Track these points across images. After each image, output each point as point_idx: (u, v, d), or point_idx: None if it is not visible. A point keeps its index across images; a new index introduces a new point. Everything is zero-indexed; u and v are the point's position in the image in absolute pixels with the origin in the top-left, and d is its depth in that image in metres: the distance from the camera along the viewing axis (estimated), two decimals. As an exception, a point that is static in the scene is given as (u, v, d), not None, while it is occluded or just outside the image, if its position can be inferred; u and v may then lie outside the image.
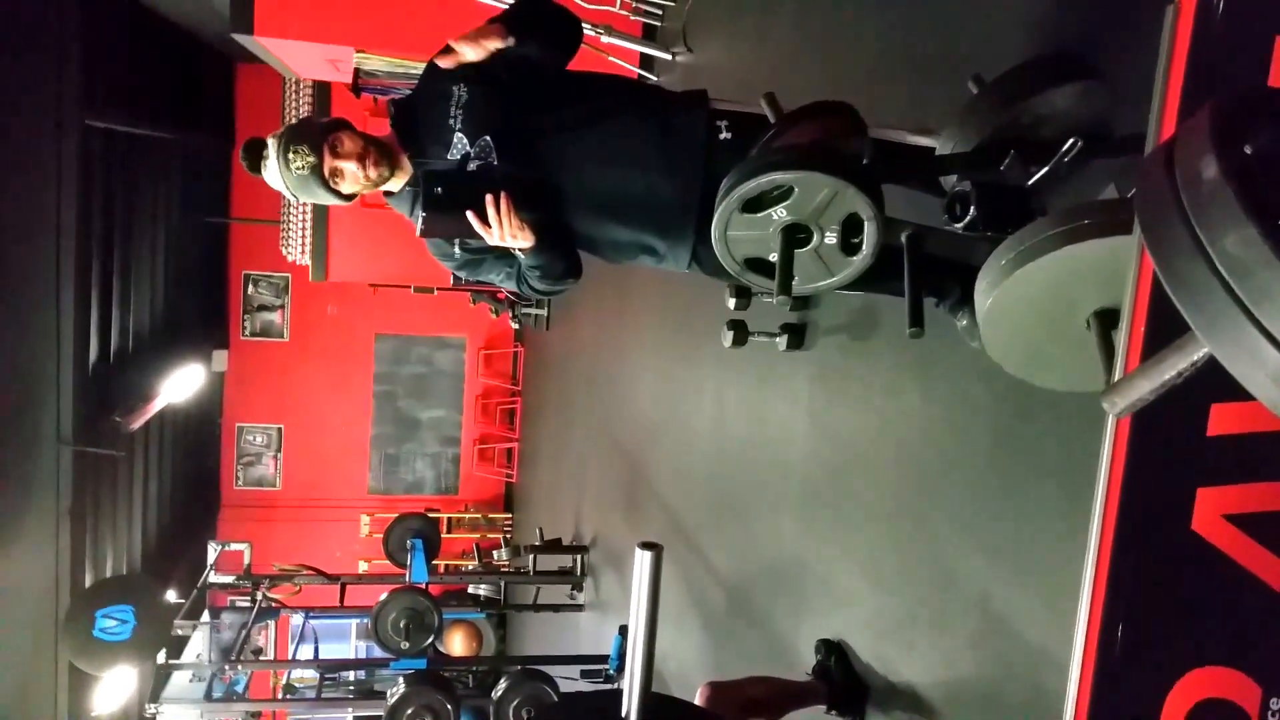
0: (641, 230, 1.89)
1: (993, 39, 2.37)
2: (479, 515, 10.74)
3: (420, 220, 1.78)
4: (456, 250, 1.97)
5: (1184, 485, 1.05)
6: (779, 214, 1.42)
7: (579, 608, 6.74)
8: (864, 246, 1.43)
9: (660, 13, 5.35)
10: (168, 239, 8.12)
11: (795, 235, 1.44)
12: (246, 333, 10.40)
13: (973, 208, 1.50)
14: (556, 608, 6.86)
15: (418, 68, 5.90)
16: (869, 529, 2.83)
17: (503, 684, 5.08)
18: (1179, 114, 1.04)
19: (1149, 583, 1.05)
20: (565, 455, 8.12)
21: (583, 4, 5.18)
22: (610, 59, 5.31)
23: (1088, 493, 1.91)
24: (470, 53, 1.81)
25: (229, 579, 6.40)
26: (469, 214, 1.75)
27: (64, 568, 5.86)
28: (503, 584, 7.43)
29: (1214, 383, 0.91)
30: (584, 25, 4.20)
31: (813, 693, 2.78)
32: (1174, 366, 0.67)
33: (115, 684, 5.77)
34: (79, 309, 5.91)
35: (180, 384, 7.95)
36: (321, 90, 7.69)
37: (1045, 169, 1.55)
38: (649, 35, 5.48)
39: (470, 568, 8.71)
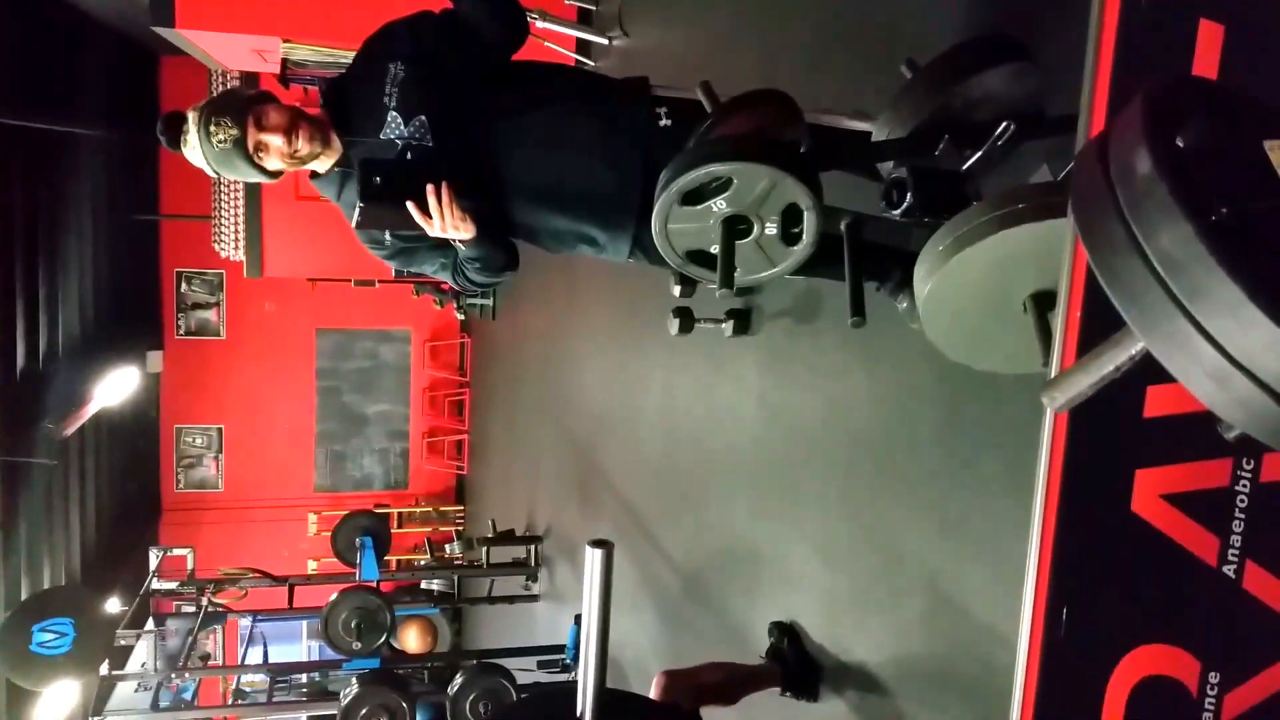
0: (581, 220, 1.85)
1: (928, 21, 2.39)
2: (430, 509, 10.64)
3: (357, 211, 1.70)
4: (388, 238, 1.89)
5: (1123, 467, 1.07)
6: (719, 206, 1.41)
7: (534, 598, 6.72)
8: (804, 236, 1.43)
9: (595, -3, 5.30)
10: (95, 239, 7.86)
11: (736, 227, 1.43)
12: (181, 332, 10.13)
13: (909, 194, 1.51)
14: (511, 599, 6.83)
15: (348, 57, 5.79)
16: (819, 511, 2.85)
17: (459, 679, 5.04)
18: (1109, 98, 1.05)
19: (1091, 564, 1.06)
20: (517, 446, 8.07)
21: (516, -12, 5.10)
22: (546, 44, 5.24)
23: (1031, 469, 1.95)
24: None
25: (173, 585, 6.26)
26: (409, 205, 1.68)
27: (-3, 583, 5.67)
28: (456, 578, 7.37)
29: (1150, 365, 0.92)
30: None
31: (767, 675, 2.80)
32: (1112, 361, 0.67)
33: (56, 698, 5.61)
34: (3, 314, 5.70)
35: (114, 387, 7.72)
36: (249, 82, 7.48)
37: (979, 153, 1.56)
38: (584, 20, 5.42)
39: (423, 563, 8.62)
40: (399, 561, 9.08)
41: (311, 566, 9.34)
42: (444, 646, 8.08)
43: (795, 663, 2.80)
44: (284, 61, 5.69)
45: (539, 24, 5.10)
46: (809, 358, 2.99)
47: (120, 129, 8.13)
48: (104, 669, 5.29)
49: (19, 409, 5.99)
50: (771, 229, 1.44)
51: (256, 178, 1.83)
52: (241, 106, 1.75)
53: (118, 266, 8.51)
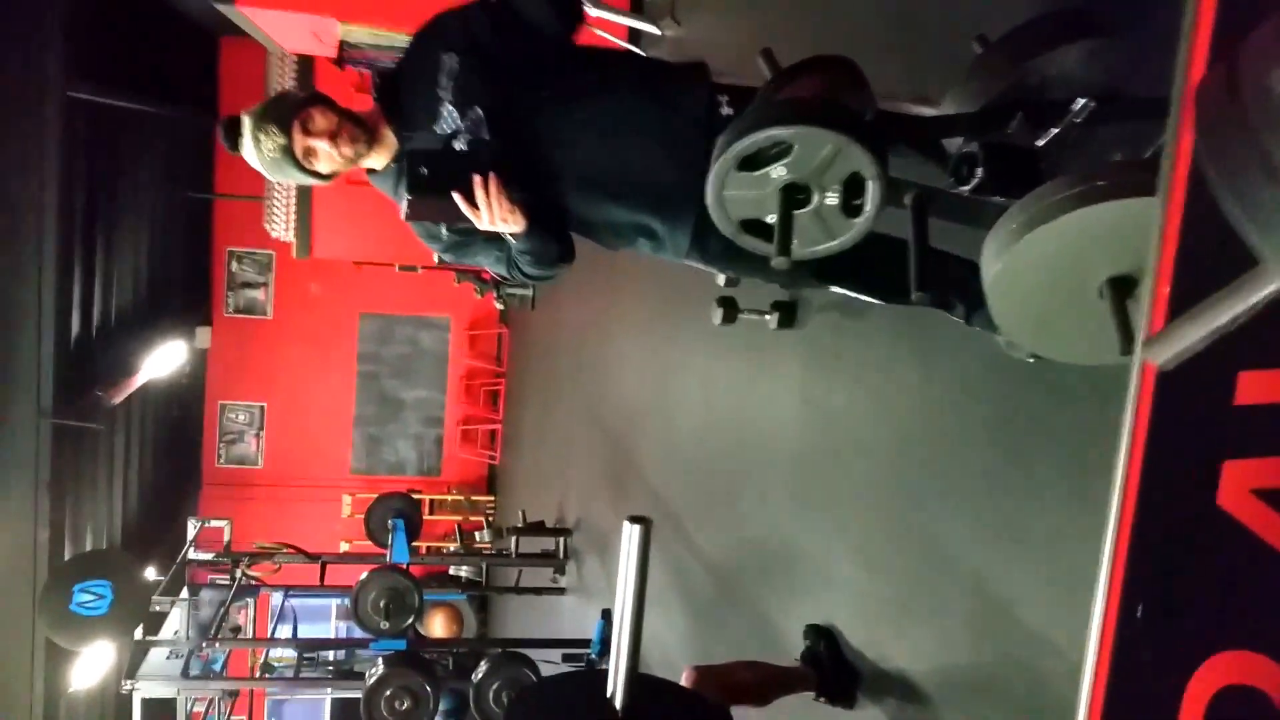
0: (640, 210, 1.79)
1: (992, 5, 2.30)
2: (461, 497, 10.67)
3: (405, 203, 1.67)
4: (444, 232, 1.86)
5: (1209, 458, 0.98)
6: (778, 172, 1.35)
7: (561, 591, 6.69)
8: (866, 207, 1.36)
9: (650, -14, 5.26)
10: (151, 214, 7.99)
11: (794, 195, 1.37)
12: (230, 310, 10.27)
13: (980, 169, 1.43)
14: (539, 591, 6.80)
15: (403, 40, 5.80)
16: (862, 511, 2.77)
17: (483, 666, 5.02)
18: (1210, 52, 0.96)
19: (1171, 561, 0.98)
20: (549, 437, 8.05)
21: (572, -24, 5.08)
22: (598, 32, 5.20)
23: (1092, 470, 1.86)
24: None
25: (209, 556, 6.32)
26: (456, 196, 1.64)
27: (42, 541, 5.77)
28: (484, 566, 7.37)
29: (1242, 349, 0.84)
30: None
31: (801, 679, 2.72)
32: (1231, 309, 0.60)
33: (92, 660, 5.69)
34: (60, 283, 5.80)
35: (162, 360, 7.84)
36: (306, 64, 7.54)
37: (1055, 130, 1.48)
38: (637, 8, 5.38)
39: (452, 549, 8.64)
40: (429, 548, 9.10)
41: (344, 547, 9.41)
42: (469, 635, 8.09)
43: (831, 667, 2.72)
44: (340, 43, 5.72)
45: (592, 12, 5.06)
46: (856, 352, 2.91)
47: (180, 108, 8.26)
48: (139, 634, 5.35)
49: (71, 374, 6.08)
50: (832, 199, 1.37)
51: (310, 181, 1.81)
52: (287, 113, 1.73)
53: (172, 242, 8.65)
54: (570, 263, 1.92)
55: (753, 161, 1.35)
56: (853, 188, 1.37)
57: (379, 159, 1.83)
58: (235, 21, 5.38)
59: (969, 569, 2.22)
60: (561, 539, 6.65)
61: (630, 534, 1.56)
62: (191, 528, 6.34)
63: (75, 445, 6.22)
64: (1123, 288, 1.37)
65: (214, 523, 6.61)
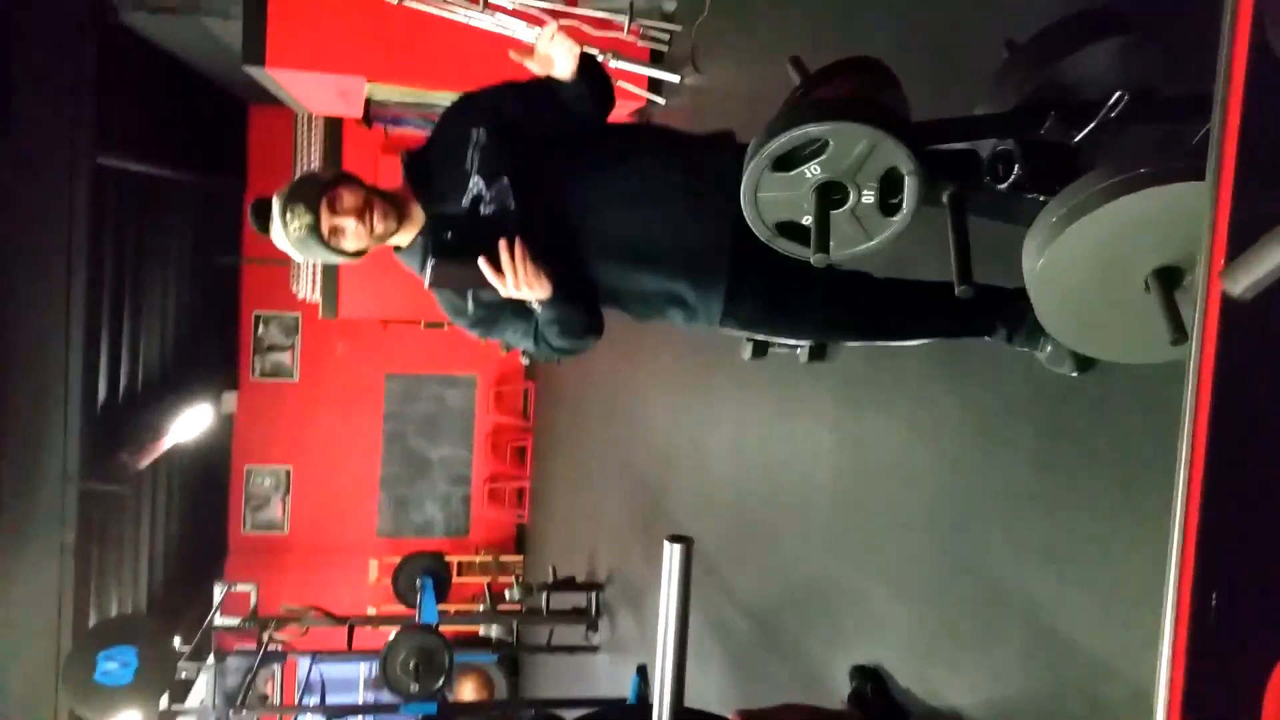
0: (670, 278, 1.77)
1: (1016, 22, 2.29)
2: (490, 558, 10.56)
3: (428, 270, 1.64)
4: (470, 306, 1.83)
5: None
6: (812, 171, 1.33)
7: (594, 649, 6.55)
8: (904, 205, 1.33)
9: (667, 37, 5.34)
10: (179, 278, 8.11)
11: (830, 194, 1.35)
12: (256, 373, 10.34)
13: (1017, 166, 1.41)
14: (571, 649, 6.67)
15: (429, 97, 5.94)
16: (904, 543, 2.69)
17: (516, 726, 4.90)
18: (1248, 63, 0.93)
19: (1246, 545, 0.92)
20: (578, 491, 7.98)
21: (590, 31, 5.18)
22: (619, 84, 5.28)
23: (1140, 484, 1.80)
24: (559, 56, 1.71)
25: (235, 621, 6.26)
26: (480, 261, 1.61)
27: (66, 607, 5.73)
28: (515, 624, 7.24)
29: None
30: (594, 52, 4.18)
31: (848, 720, 2.63)
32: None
33: (117, 730, 5.59)
34: (89, 346, 5.86)
35: (189, 424, 7.88)
36: (332, 126, 7.71)
37: (1090, 126, 1.45)
38: (656, 60, 5.47)
39: (481, 609, 8.53)
40: (457, 610, 8.98)
41: (371, 612, 9.30)
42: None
43: (880, 708, 2.62)
44: (367, 101, 5.84)
45: (611, 64, 5.15)
46: (891, 382, 2.85)
47: (208, 174, 8.44)
48: (164, 702, 5.27)
49: (98, 438, 6.11)
50: (869, 197, 1.35)
51: (339, 259, 1.81)
52: (315, 192, 1.74)
53: (199, 306, 8.76)
54: (598, 334, 1.88)
55: (787, 162, 1.33)
56: (889, 186, 1.34)
57: (406, 236, 1.82)
58: (264, 85, 5.52)
59: (1019, 595, 2.13)
60: (593, 594, 6.53)
61: (671, 554, 1.52)
62: (218, 592, 6.30)
63: (101, 509, 6.22)
64: (1170, 278, 1.33)
65: (240, 587, 6.56)
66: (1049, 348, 1.94)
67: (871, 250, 1.40)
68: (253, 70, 5.14)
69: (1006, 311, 1.86)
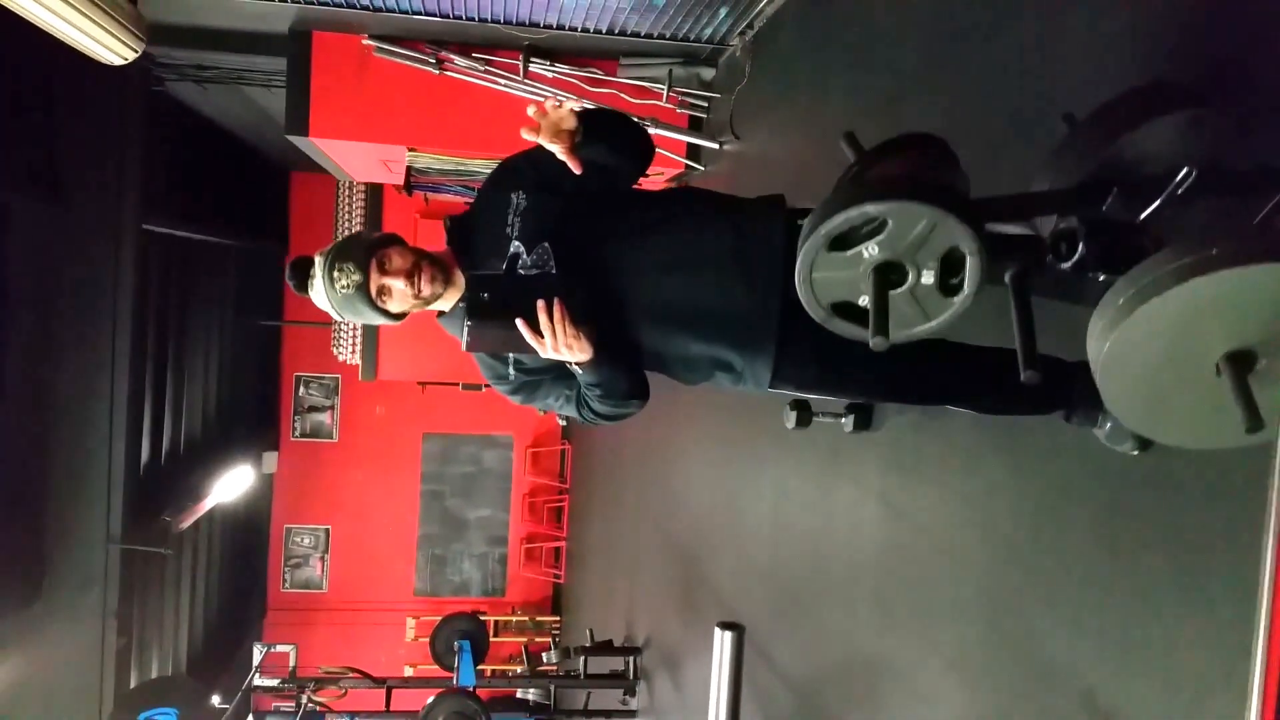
0: (716, 343, 1.73)
1: (1070, 93, 2.28)
2: (526, 619, 10.46)
3: (465, 331, 1.59)
4: (511, 372, 1.81)
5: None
6: (870, 251, 1.30)
7: (632, 714, 6.41)
8: (965, 285, 1.30)
9: (706, 104, 5.40)
10: (221, 341, 8.24)
11: (888, 275, 1.32)
12: (296, 434, 10.44)
13: (1080, 244, 1.37)
14: (609, 714, 6.54)
15: (469, 164, 6.03)
16: (953, 621, 2.60)
17: (554, 797, 4.78)
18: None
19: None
20: (616, 553, 7.88)
21: (629, 99, 5.25)
22: (658, 151, 5.33)
23: (1206, 570, 1.72)
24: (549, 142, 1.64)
25: (274, 682, 6.22)
26: (518, 322, 1.56)
27: (108, 668, 5.73)
28: (552, 688, 7.12)
29: None
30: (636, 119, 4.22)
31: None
32: None
33: (153, 795, 5.55)
34: (132, 409, 5.94)
35: (230, 485, 7.94)
36: (374, 192, 7.85)
37: (1156, 202, 1.42)
38: (695, 126, 5.52)
39: (518, 671, 8.42)
40: (494, 671, 8.87)
41: (408, 672, 9.21)
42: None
43: (932, 791, 2.51)
44: (408, 169, 5.94)
45: (651, 130, 5.21)
46: (939, 454, 2.79)
47: (251, 239, 8.62)
48: (202, 766, 5.24)
49: (141, 500, 6.17)
50: (928, 278, 1.31)
51: (380, 320, 1.80)
52: (365, 251, 1.73)
53: (241, 368, 8.88)
54: (643, 399, 1.83)
55: (844, 241, 1.31)
56: (949, 265, 1.31)
57: (450, 300, 1.82)
58: (307, 153, 5.63)
59: (1076, 681, 2.04)
60: (631, 658, 6.42)
61: (722, 642, 1.48)
62: (258, 653, 6.28)
63: (143, 570, 6.26)
64: (1243, 362, 1.28)
65: (279, 648, 6.54)
66: (1108, 424, 1.88)
67: (931, 332, 1.36)
68: (296, 139, 5.25)
69: (1067, 390, 1.81)
